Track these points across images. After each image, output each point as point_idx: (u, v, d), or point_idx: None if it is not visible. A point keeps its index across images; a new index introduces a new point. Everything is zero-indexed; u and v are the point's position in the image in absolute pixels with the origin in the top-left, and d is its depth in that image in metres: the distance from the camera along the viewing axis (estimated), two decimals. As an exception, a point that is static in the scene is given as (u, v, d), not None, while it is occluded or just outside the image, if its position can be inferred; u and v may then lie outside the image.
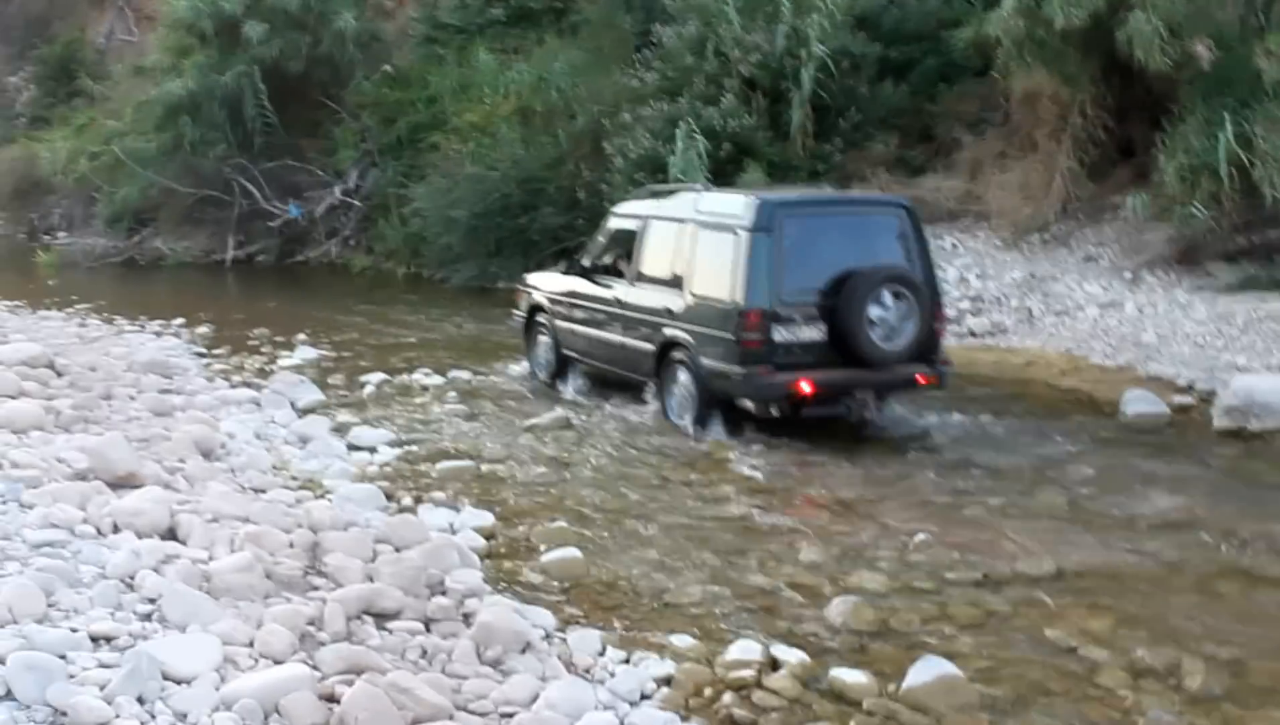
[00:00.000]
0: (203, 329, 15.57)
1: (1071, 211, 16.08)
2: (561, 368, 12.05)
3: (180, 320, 16.11)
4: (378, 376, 12.23)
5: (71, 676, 4.68)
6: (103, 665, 4.84)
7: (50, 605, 5.28)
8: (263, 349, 14.15)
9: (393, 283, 21.17)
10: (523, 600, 6.34)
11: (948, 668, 5.51)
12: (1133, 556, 7.23)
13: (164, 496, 6.83)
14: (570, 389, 11.79)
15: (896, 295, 9.62)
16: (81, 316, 16.65)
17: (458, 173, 20.10)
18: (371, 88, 24.61)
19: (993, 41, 15.93)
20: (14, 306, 17.21)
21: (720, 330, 9.63)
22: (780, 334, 9.54)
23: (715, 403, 9.90)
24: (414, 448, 9.58)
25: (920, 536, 7.42)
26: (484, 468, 9.05)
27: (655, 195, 11.55)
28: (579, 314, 11.66)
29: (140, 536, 6.35)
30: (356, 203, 23.71)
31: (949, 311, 13.05)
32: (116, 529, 6.44)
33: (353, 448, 9.50)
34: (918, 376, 9.92)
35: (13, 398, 9.23)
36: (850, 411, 9.94)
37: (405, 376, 12.36)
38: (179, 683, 4.79)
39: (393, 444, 9.63)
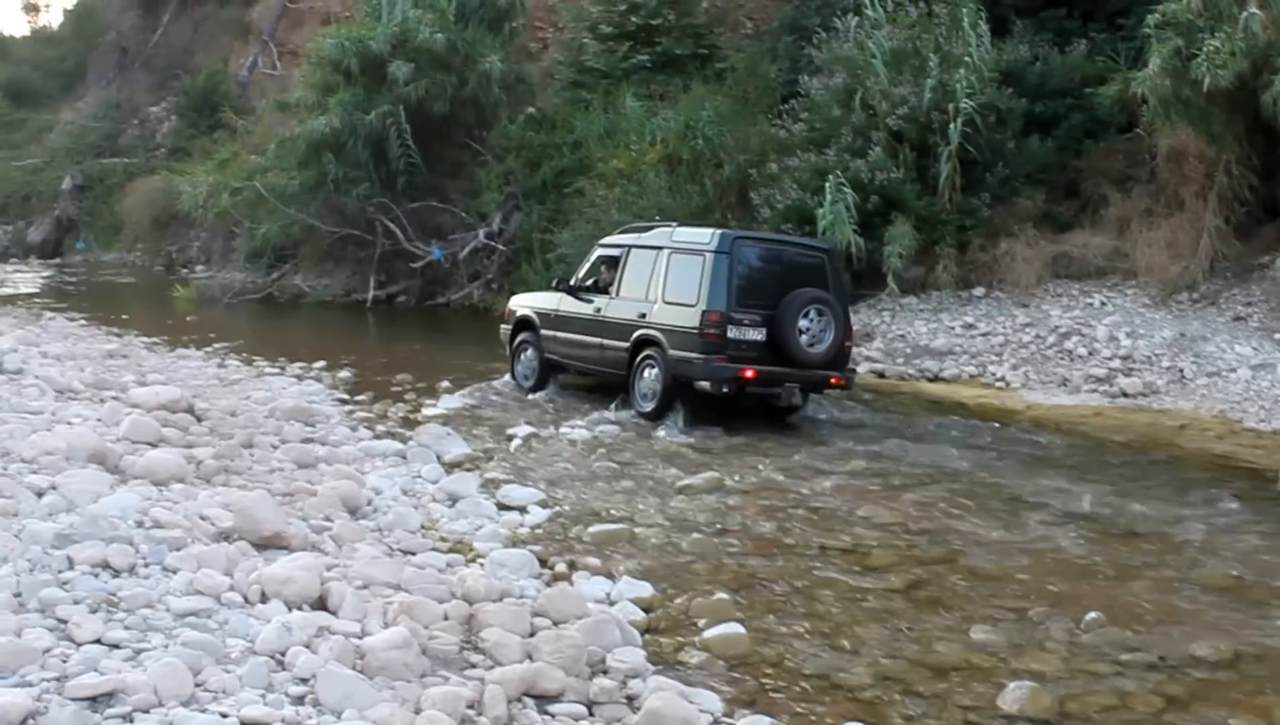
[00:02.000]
0: (344, 373, 15.45)
1: (1219, 270, 15.98)
2: (543, 377, 14.57)
3: (321, 363, 16.03)
4: (524, 429, 11.94)
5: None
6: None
7: (198, 685, 4.96)
8: (406, 396, 13.96)
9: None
10: (686, 681, 5.96)
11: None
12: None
13: (314, 563, 6.52)
14: (543, 397, 14.27)
15: (820, 312, 12.53)
16: (220, 356, 16.61)
17: (603, 219, 19.91)
18: (516, 130, 24.66)
19: (1138, 99, 16.02)
20: (152, 343, 17.32)
21: (687, 326, 12.39)
22: (732, 332, 12.31)
23: (676, 391, 12.54)
24: (564, 508, 9.24)
25: (1091, 615, 7.01)
26: (638, 532, 8.68)
27: (635, 230, 14.32)
28: (565, 324, 14.15)
29: (290, 606, 6.03)
30: (499, 246, 23.66)
31: (1099, 370, 14.85)
32: (265, 598, 6.11)
33: (503, 507, 9.17)
34: (832, 378, 12.79)
35: (153, 445, 9.05)
36: (780, 398, 12.69)
37: (552, 429, 12.09)
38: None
39: (543, 504, 9.28)
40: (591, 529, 8.65)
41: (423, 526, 8.50)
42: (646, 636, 6.66)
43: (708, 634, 6.67)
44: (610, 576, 7.63)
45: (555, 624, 6.41)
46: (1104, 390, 14.38)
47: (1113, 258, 17.02)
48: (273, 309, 24.80)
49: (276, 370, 15.46)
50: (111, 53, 54.17)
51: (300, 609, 6.03)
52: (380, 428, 11.98)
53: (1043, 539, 8.86)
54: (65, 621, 5.32)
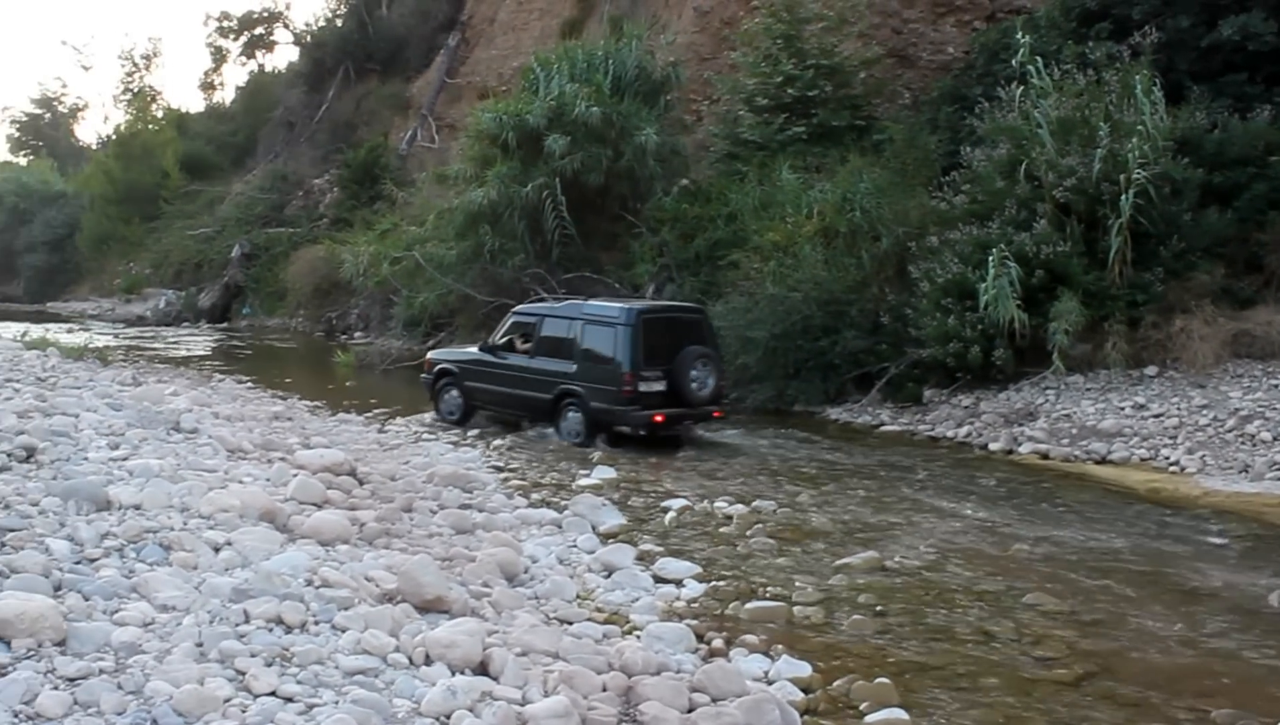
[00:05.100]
0: (499, 442, 15.67)
1: None
2: (466, 414, 17.41)
3: (475, 432, 16.33)
4: (679, 502, 11.93)
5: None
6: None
7: (366, 743, 5.02)
8: (560, 465, 14.07)
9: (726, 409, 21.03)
10: (848, 768, 5.81)
11: None
12: None
13: (476, 628, 6.58)
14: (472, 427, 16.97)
15: (704, 363, 15.74)
16: (380, 421, 17.04)
17: (758, 292, 19.84)
18: (670, 202, 24.74)
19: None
20: (314, 406, 17.72)
21: (607, 385, 15.37)
22: (642, 387, 15.34)
23: (599, 428, 15.57)
24: (720, 584, 9.13)
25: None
26: (796, 610, 8.54)
27: (546, 301, 18.26)
28: (486, 376, 16.97)
29: (453, 670, 6.15)
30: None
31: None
32: (429, 660, 6.24)
33: (658, 579, 9.16)
34: (714, 412, 16.09)
35: (318, 506, 9.30)
36: (681, 433, 16.06)
37: (707, 503, 12.00)
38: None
39: (699, 578, 9.21)
40: (748, 605, 8.56)
41: (579, 596, 8.54)
42: (806, 718, 6.56)
43: (870, 719, 6.55)
44: (769, 654, 7.52)
45: (714, 700, 6.39)
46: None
47: (1299, 335, 16.23)
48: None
49: (433, 437, 15.68)
50: (279, 127, 56.33)
51: (463, 673, 6.16)
52: (535, 495, 12.06)
53: (1221, 635, 8.45)
54: (243, 673, 5.51)
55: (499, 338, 17.22)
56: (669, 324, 16.04)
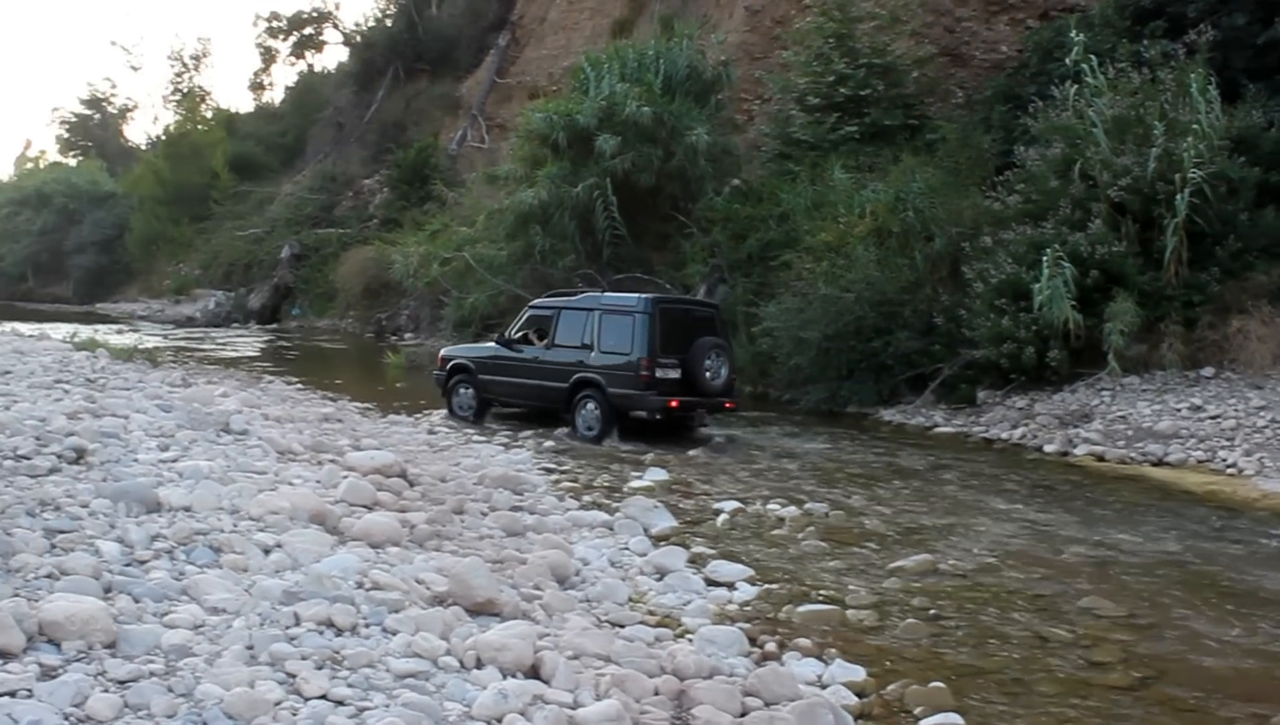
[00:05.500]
0: (549, 443, 15.65)
1: None
2: (481, 411, 17.83)
3: (528, 433, 16.34)
4: (731, 504, 11.84)
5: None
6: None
7: (415, 746, 4.99)
8: (611, 467, 14.02)
9: (738, 401, 20.88)
10: (901, 773, 5.73)
11: None
12: None
13: (527, 632, 6.53)
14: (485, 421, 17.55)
15: (717, 354, 16.15)
16: (430, 423, 17.06)
17: (810, 292, 19.77)
18: (722, 203, 24.67)
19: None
20: (364, 408, 17.75)
21: (625, 371, 15.86)
22: (659, 373, 15.80)
23: (614, 419, 15.99)
24: (773, 587, 9.04)
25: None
26: (849, 614, 8.43)
27: (563, 295, 18.09)
28: (503, 369, 17.39)
29: (504, 674, 6.09)
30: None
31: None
32: (480, 664, 6.18)
33: (711, 583, 9.05)
34: (726, 403, 16.58)
35: (368, 508, 9.26)
36: (694, 420, 16.81)
37: (759, 505, 11.90)
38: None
39: (752, 581, 9.12)
40: (801, 609, 8.45)
41: (631, 599, 8.45)
42: (860, 723, 6.48)
43: (924, 724, 6.45)
44: (822, 658, 7.43)
45: (767, 705, 6.31)
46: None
47: (1358, 338, 15.98)
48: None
49: (483, 439, 15.68)
50: (329, 128, 56.73)
51: (514, 676, 6.09)
52: (586, 498, 12.00)
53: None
54: (294, 676, 5.48)
55: (515, 331, 17.66)
56: (684, 316, 16.67)
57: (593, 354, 16.28)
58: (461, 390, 17.97)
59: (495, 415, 18.01)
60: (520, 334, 17.58)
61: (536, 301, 18.25)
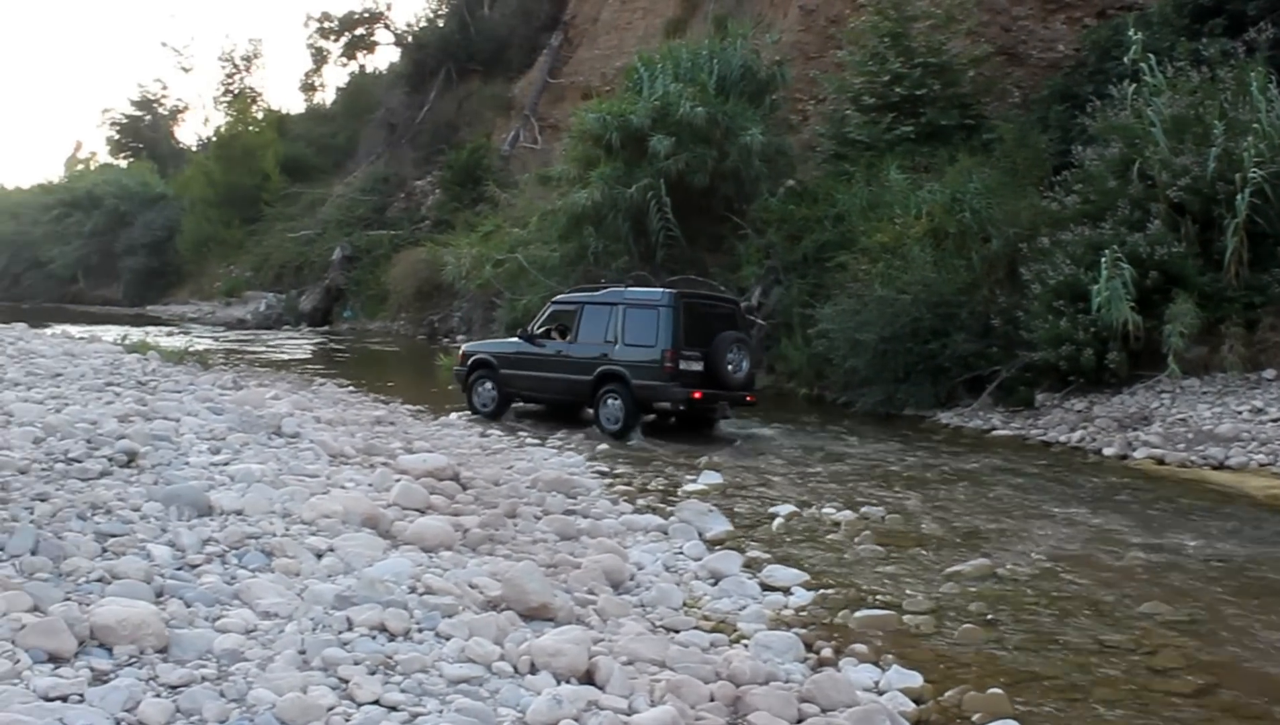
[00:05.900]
0: (603, 446, 15.61)
1: None
2: (501, 406, 18.07)
3: (581, 435, 16.36)
4: (786, 508, 11.74)
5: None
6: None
7: (471, 753, 4.95)
8: (666, 471, 13.96)
9: (794, 404, 20.89)
10: (961, 779, 5.64)
11: None
12: None
13: (581, 637, 6.48)
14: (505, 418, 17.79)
15: (739, 348, 16.76)
16: (483, 425, 17.06)
17: (866, 294, 19.67)
18: (777, 203, 24.58)
19: None
20: (416, 411, 17.79)
21: (649, 363, 16.25)
22: (682, 365, 16.22)
23: (638, 414, 16.53)
24: (829, 592, 8.95)
25: None
26: (906, 619, 8.33)
27: (586, 290, 18.57)
28: (527, 363, 17.67)
29: (559, 679, 6.04)
30: (759, 321, 23.51)
31: None
32: (534, 669, 6.14)
33: (766, 587, 8.97)
34: (748, 397, 17.03)
35: (421, 512, 9.25)
36: (715, 412, 17.20)
37: (815, 509, 11.81)
38: None
39: (808, 586, 9.03)
40: (857, 614, 8.35)
41: (685, 604, 8.37)
42: (918, 730, 6.34)
43: (982, 731, 6.32)
44: (879, 664, 7.33)
45: (823, 711, 6.24)
46: None
47: None
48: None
49: (537, 442, 15.66)
50: (380, 129, 56.94)
51: (568, 682, 6.05)
52: (640, 501, 11.95)
53: None
54: (346, 681, 5.45)
55: (538, 327, 18.12)
56: (706, 310, 17.12)
57: (617, 347, 16.72)
58: (482, 386, 18.24)
59: (514, 411, 18.40)
60: (543, 329, 18.02)
61: (559, 297, 18.80)
